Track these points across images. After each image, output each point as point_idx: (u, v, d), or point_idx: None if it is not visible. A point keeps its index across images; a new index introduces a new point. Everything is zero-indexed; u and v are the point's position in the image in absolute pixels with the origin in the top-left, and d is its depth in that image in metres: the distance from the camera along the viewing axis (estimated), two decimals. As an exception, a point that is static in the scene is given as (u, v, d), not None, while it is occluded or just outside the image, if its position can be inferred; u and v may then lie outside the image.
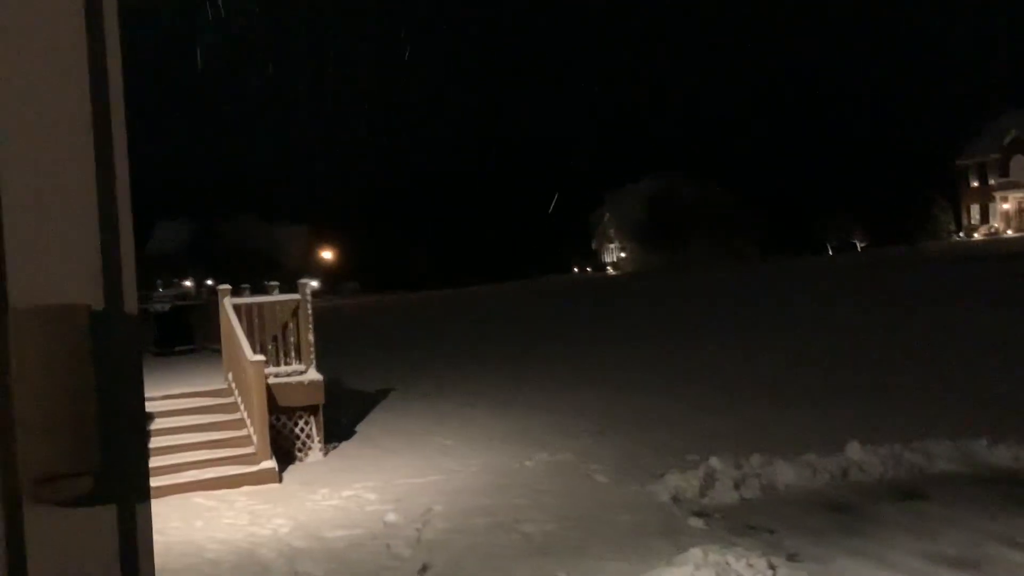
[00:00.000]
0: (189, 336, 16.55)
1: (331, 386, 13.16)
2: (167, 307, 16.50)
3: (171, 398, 10.47)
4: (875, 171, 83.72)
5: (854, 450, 9.05)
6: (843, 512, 7.70)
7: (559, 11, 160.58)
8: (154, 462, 9.35)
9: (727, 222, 78.26)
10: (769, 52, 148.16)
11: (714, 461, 8.78)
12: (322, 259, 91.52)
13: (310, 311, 11.19)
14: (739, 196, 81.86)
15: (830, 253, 79.38)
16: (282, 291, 11.77)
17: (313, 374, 11.11)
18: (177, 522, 8.07)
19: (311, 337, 11.20)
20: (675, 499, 8.14)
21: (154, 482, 9.09)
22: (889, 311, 23.52)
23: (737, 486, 8.32)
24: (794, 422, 10.99)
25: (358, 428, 12.59)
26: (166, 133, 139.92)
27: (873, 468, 8.81)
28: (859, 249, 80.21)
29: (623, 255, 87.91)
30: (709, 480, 8.44)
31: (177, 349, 16.15)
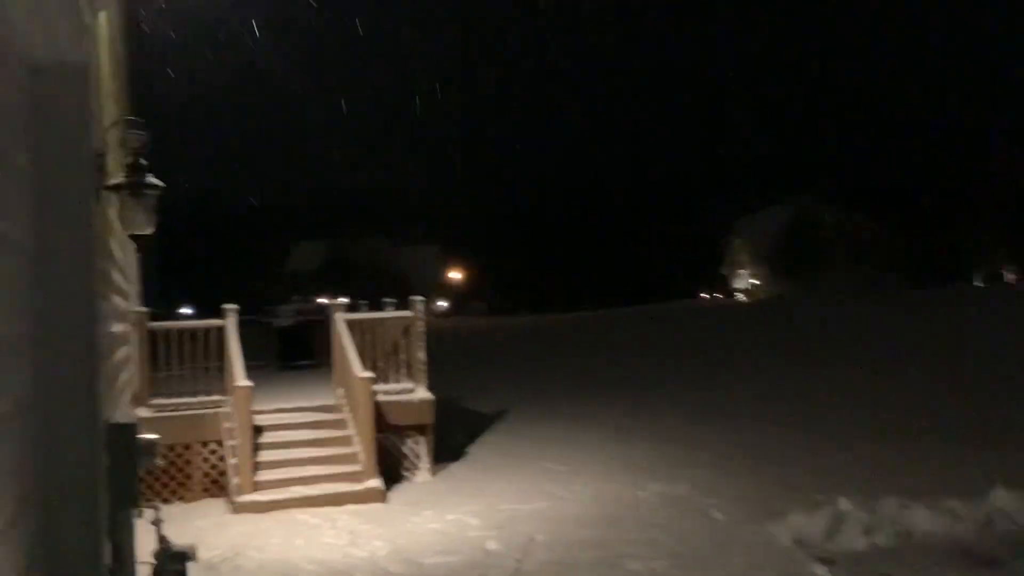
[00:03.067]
0: (310, 351, 16.71)
1: (445, 406, 12.97)
2: (289, 322, 16.71)
3: (282, 412, 10.46)
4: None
5: (1001, 497, 8.21)
6: (989, 568, 6.94)
7: (692, 29, 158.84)
8: (261, 476, 9.32)
9: (868, 250, 75.14)
10: (922, 76, 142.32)
11: (843, 502, 8.09)
12: (451, 279, 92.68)
13: (422, 328, 11.02)
14: (882, 223, 78.57)
15: (979, 285, 75.16)
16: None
17: (423, 393, 10.91)
18: (277, 539, 7.96)
19: (422, 355, 11.01)
20: (797, 542, 7.51)
21: (260, 496, 9.07)
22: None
23: (868, 531, 7.63)
24: (933, 462, 10.12)
25: (468, 449, 12.34)
26: (304, 157, 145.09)
27: (1023, 518, 7.96)
28: (1008, 282, 75.64)
29: (754, 282, 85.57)
30: (836, 523, 7.77)
31: (298, 363, 16.32)
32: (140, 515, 6.00)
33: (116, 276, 6.49)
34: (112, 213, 4.68)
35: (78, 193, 3.41)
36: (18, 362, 3.21)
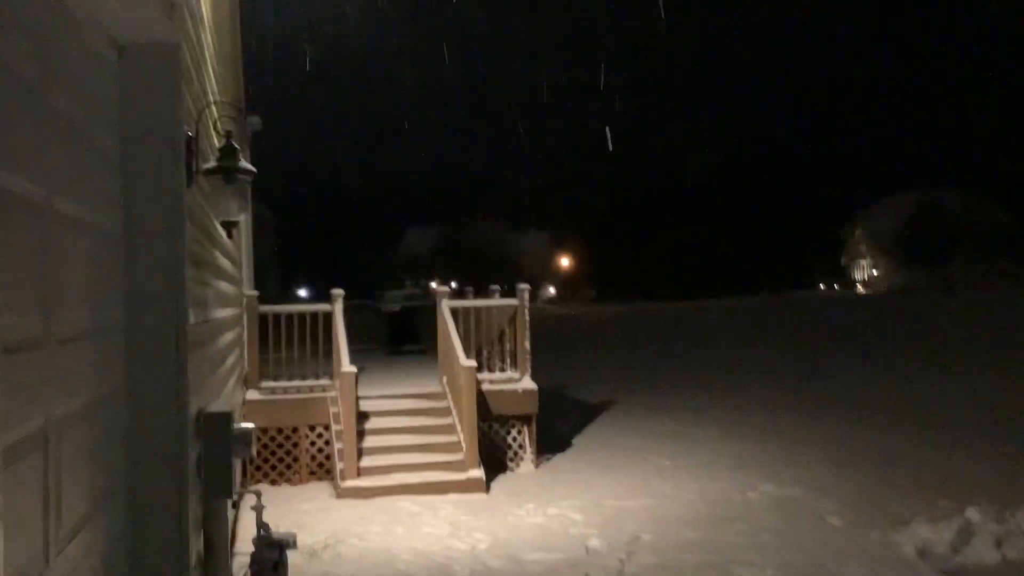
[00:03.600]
0: (417, 336, 16.77)
1: (551, 395, 12.81)
2: (398, 307, 16.79)
3: (387, 398, 10.44)
4: None
5: None
6: None
7: (812, 15, 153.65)
8: (365, 462, 9.33)
9: (998, 240, 71.41)
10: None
11: (972, 512, 7.52)
12: (560, 266, 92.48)
13: (527, 317, 10.83)
14: (1015, 213, 74.57)
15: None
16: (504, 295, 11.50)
17: (528, 382, 10.74)
18: (378, 527, 7.91)
19: (527, 344, 10.83)
20: (921, 553, 7.01)
21: (364, 482, 9.07)
22: None
23: (1000, 544, 7.06)
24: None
25: (574, 440, 12.12)
26: (419, 142, 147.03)
27: None
28: None
29: (875, 272, 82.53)
30: (965, 534, 7.23)
31: (405, 349, 16.40)
32: (236, 505, 6.06)
33: (222, 260, 6.50)
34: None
35: (167, 177, 3.33)
36: (104, 351, 3.14)
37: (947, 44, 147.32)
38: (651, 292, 76.69)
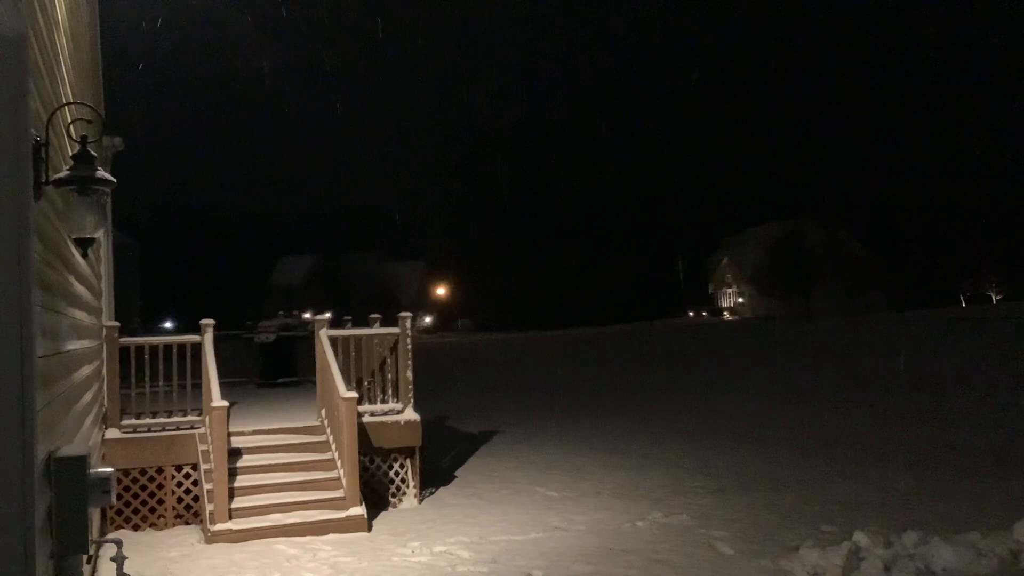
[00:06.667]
0: (293, 368, 16.11)
1: (431, 427, 12.42)
2: (272, 338, 16.08)
3: (260, 434, 9.86)
4: (1015, 218, 78.78)
5: (1025, 530, 7.69)
6: (1019, 608, 6.43)
7: (675, 48, 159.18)
8: (237, 502, 8.73)
9: (854, 269, 74.95)
10: (902, 91, 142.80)
11: (859, 536, 7.55)
12: (437, 295, 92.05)
13: (410, 346, 10.46)
14: (869, 242, 78.51)
15: (963, 305, 75.10)
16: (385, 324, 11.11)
17: (411, 414, 10.35)
18: (253, 573, 7.35)
19: (410, 374, 10.45)
20: (813, 580, 6.98)
21: (236, 525, 8.48)
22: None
23: (887, 568, 7.10)
24: (949, 494, 9.63)
25: (457, 473, 11.77)
26: (289, 172, 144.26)
27: (1049, 553, 7.45)
28: (993, 301, 75.61)
29: (740, 300, 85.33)
30: (854, 559, 7.23)
31: (280, 381, 15.72)
32: (90, 560, 5.46)
33: (78, 287, 5.92)
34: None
35: (9, 187, 2.87)
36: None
37: (814, 79, 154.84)
38: (527, 322, 77.07)
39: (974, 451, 12.03)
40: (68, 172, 3.64)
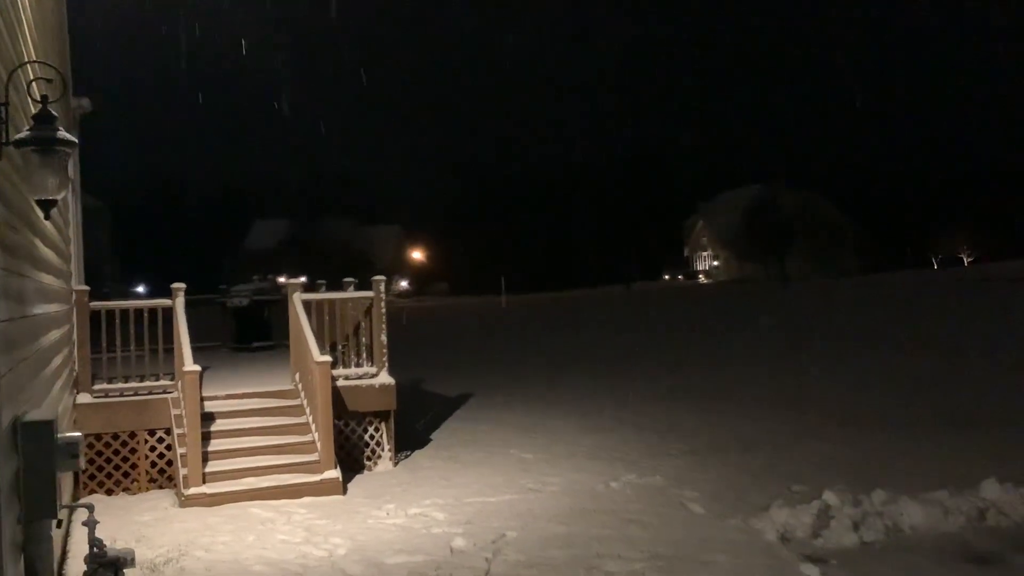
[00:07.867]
0: (267, 332, 16.03)
1: (407, 390, 12.45)
2: (245, 302, 15.97)
3: (233, 398, 9.82)
4: (986, 183, 79.49)
5: (991, 488, 7.84)
6: (983, 564, 6.56)
7: (657, 17, 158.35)
8: (211, 467, 8.72)
9: (829, 234, 75.53)
10: (879, 60, 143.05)
11: (829, 495, 7.66)
12: (413, 259, 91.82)
13: (384, 310, 10.43)
14: (843, 207, 79.05)
15: (935, 267, 75.94)
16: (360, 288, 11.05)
17: (385, 377, 10.34)
18: (227, 536, 7.36)
19: (384, 338, 10.42)
20: (783, 538, 7.09)
21: (210, 488, 8.47)
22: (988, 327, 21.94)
23: (856, 526, 7.21)
24: (917, 453, 9.78)
25: (433, 436, 11.81)
26: (263, 135, 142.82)
27: (1015, 511, 7.60)
28: (966, 264, 76.53)
29: (716, 264, 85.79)
30: (823, 517, 7.35)
31: (254, 345, 15.64)
32: (61, 524, 5.43)
33: (44, 250, 5.84)
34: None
35: (-34, 146, 2.81)
36: None
37: (793, 47, 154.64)
38: (503, 286, 77.14)
39: (943, 411, 12.20)
40: (28, 132, 3.57)
